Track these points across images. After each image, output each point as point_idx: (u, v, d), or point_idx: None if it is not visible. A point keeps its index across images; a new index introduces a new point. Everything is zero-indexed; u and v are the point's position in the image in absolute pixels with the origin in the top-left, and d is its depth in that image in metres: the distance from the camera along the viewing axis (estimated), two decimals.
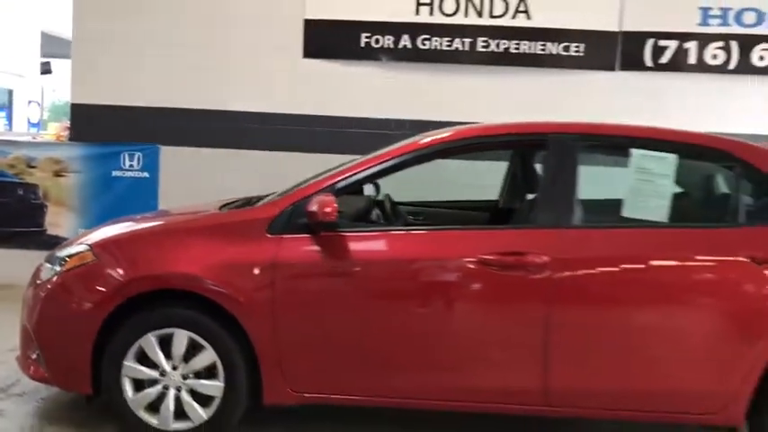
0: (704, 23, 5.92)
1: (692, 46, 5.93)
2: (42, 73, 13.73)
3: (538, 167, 3.78)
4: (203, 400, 3.29)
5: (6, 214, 6.36)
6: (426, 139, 3.55)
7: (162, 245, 3.39)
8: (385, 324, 3.23)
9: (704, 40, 5.92)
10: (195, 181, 6.05)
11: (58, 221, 6.35)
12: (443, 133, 3.56)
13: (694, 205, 3.60)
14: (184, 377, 3.28)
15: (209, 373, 3.27)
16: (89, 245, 3.43)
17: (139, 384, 3.31)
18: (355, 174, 3.38)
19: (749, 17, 5.89)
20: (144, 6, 6.25)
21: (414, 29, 6.04)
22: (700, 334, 3.15)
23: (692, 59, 5.94)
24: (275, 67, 6.21)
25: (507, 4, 6.00)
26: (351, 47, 6.11)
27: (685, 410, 3.20)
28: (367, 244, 3.29)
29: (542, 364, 3.15)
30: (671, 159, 3.29)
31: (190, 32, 6.23)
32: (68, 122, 6.66)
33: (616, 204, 3.33)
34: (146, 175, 6.29)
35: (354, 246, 3.24)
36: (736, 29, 5.91)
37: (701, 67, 5.94)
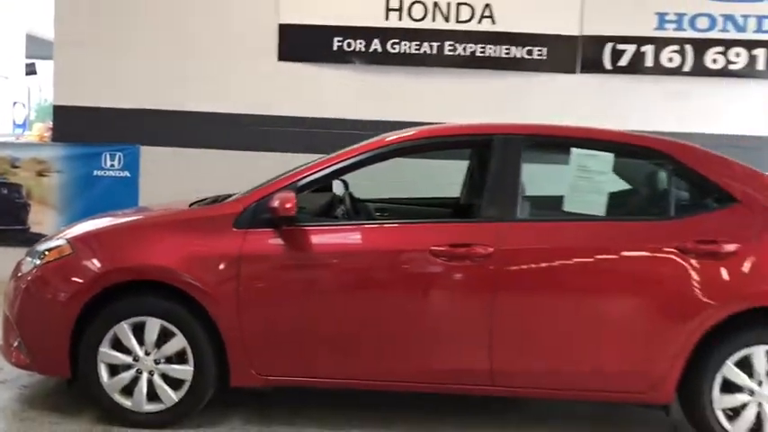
0: (660, 28, 6.20)
1: (649, 49, 6.21)
2: (27, 74, 13.86)
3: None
4: (174, 383, 3.52)
5: None
6: (386, 138, 3.80)
7: (135, 239, 3.63)
8: (342, 311, 3.48)
9: (660, 43, 6.20)
10: (175, 180, 6.25)
11: (41, 220, 6.55)
12: (402, 133, 3.82)
13: (629, 200, 3.87)
14: (156, 362, 3.51)
15: (179, 358, 3.51)
16: (67, 239, 3.67)
17: (114, 369, 3.53)
18: (316, 172, 3.63)
19: (702, 22, 6.17)
20: (124, 11, 6.45)
21: (384, 33, 6.29)
22: (632, 319, 3.42)
23: (650, 62, 6.22)
24: (251, 71, 6.43)
25: (473, 10, 6.25)
26: (324, 51, 6.34)
27: (619, 390, 3.48)
28: (326, 237, 3.54)
29: (488, 348, 3.41)
30: (607, 158, 3.56)
31: (169, 36, 6.44)
32: (51, 123, 6.85)
33: (559, 200, 3.60)
34: (126, 174, 6.51)
35: (314, 239, 3.49)
36: (690, 33, 6.18)
37: (658, 69, 6.22)
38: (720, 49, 6.16)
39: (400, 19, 6.29)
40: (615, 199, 3.56)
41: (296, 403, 3.89)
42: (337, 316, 3.48)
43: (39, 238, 5.93)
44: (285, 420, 3.68)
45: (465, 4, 6.25)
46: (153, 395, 3.53)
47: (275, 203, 3.38)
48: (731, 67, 6.17)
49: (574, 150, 3.57)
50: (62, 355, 3.52)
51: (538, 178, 3.82)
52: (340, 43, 6.33)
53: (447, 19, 6.27)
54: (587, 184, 3.55)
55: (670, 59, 6.20)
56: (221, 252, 3.48)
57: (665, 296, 3.39)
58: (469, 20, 6.26)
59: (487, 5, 6.24)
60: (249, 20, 6.40)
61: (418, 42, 6.29)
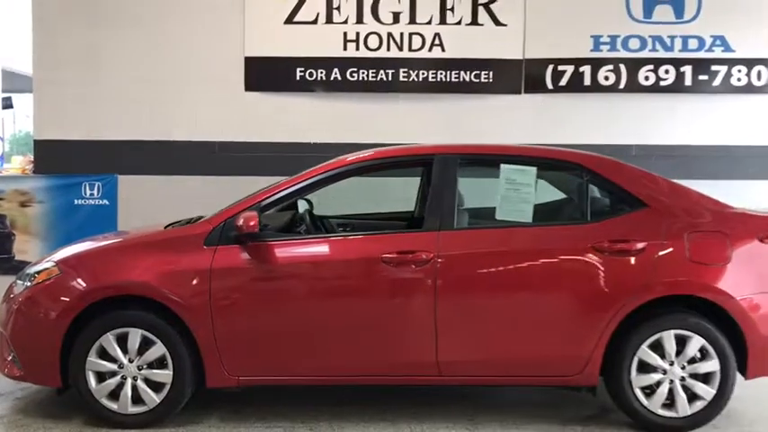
0: (596, 49, 6.76)
1: (586, 69, 6.76)
2: (4, 108, 14.23)
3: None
4: (156, 386, 3.93)
5: None
6: (345, 159, 4.27)
7: (116, 258, 4.06)
8: (304, 315, 3.92)
9: (597, 64, 6.75)
10: (151, 206, 6.64)
11: (25, 248, 6.92)
12: (358, 154, 4.29)
13: (552, 207, 4.37)
14: (139, 368, 3.92)
15: (159, 363, 3.92)
16: (54, 261, 4.09)
17: (101, 376, 3.93)
18: (277, 192, 4.09)
19: (634, 43, 6.73)
20: (100, 48, 6.86)
21: (342, 63, 6.78)
22: (559, 310, 3.90)
23: (587, 81, 6.76)
24: (220, 101, 6.87)
25: (424, 39, 6.77)
26: (287, 80, 6.82)
27: (551, 374, 3.96)
28: (287, 250, 3.98)
29: (434, 342, 3.87)
30: (532, 171, 4.06)
31: (142, 72, 6.86)
32: (32, 156, 7.24)
33: (492, 210, 4.09)
34: (105, 202, 6.90)
35: (276, 252, 3.94)
36: (623, 53, 6.75)
37: (595, 87, 6.76)
38: (651, 67, 6.73)
39: (357, 49, 6.78)
40: (540, 207, 4.06)
41: (268, 402, 4.32)
42: (300, 320, 3.92)
43: (23, 265, 6.34)
44: (258, 417, 4.10)
45: (417, 33, 6.77)
46: (137, 398, 3.93)
47: (240, 222, 3.83)
48: (661, 83, 6.74)
49: (503, 166, 4.07)
50: (53, 366, 3.92)
51: (478, 191, 4.31)
52: (302, 73, 6.81)
53: (400, 48, 6.78)
54: (515, 194, 4.04)
55: (606, 78, 6.76)
56: (194, 267, 3.91)
57: (585, 290, 3.88)
58: (421, 48, 6.77)
59: (437, 34, 6.77)
60: (217, 54, 6.85)
61: (375, 70, 6.79)
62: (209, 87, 6.86)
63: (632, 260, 3.86)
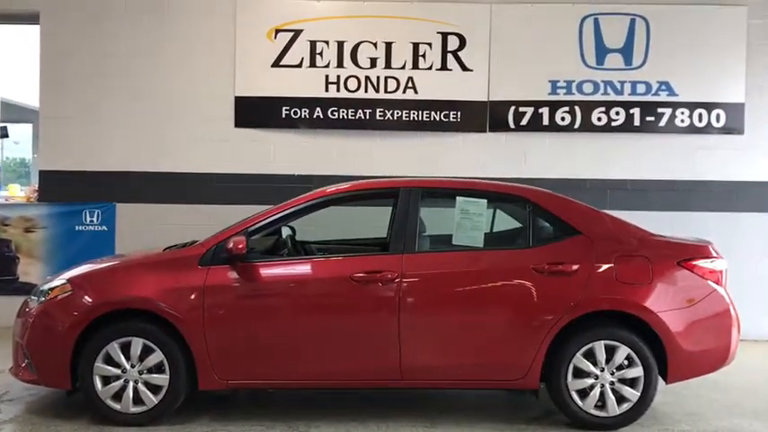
0: (553, 93, 7.47)
1: (545, 111, 7.46)
2: (1, 137, 14.78)
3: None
4: (154, 389, 4.48)
5: None
6: (325, 190, 4.89)
7: (121, 277, 4.65)
8: (285, 327, 4.51)
9: (554, 106, 7.46)
10: (146, 232, 7.25)
11: (28, 271, 7.48)
12: (336, 186, 4.91)
13: (499, 234, 5.02)
14: (140, 373, 4.47)
15: (158, 369, 4.48)
16: (66, 279, 4.67)
17: (107, 380, 4.48)
18: (263, 219, 4.70)
19: (588, 87, 7.45)
20: (100, 87, 7.50)
21: (324, 103, 7.45)
22: (504, 323, 4.51)
23: (546, 121, 7.46)
24: (212, 136, 7.50)
25: (398, 82, 7.45)
26: (273, 118, 7.47)
27: (498, 379, 4.56)
28: (271, 270, 4.58)
29: (398, 350, 4.46)
30: (483, 202, 4.71)
31: (140, 108, 7.50)
32: (36, 185, 7.81)
33: (449, 236, 4.72)
34: (104, 228, 7.49)
35: (262, 271, 4.54)
36: (578, 96, 7.46)
37: (553, 127, 7.46)
38: (603, 109, 7.45)
39: (338, 90, 7.46)
40: (490, 234, 4.70)
41: (252, 405, 4.89)
42: (281, 331, 4.51)
43: (27, 287, 6.91)
44: (243, 417, 4.66)
45: (392, 77, 7.45)
46: (137, 399, 4.48)
47: (230, 245, 4.44)
48: (613, 123, 7.45)
49: (458, 198, 4.71)
50: (64, 371, 4.47)
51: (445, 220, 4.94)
52: (287, 111, 7.46)
53: (377, 90, 7.45)
54: (468, 222, 4.68)
55: (563, 118, 7.46)
56: (189, 285, 4.49)
57: (526, 305, 4.49)
58: (396, 90, 7.46)
59: (410, 78, 7.46)
60: (209, 93, 7.50)
61: (354, 110, 7.45)
62: (202, 124, 7.50)
63: (567, 280, 4.49)
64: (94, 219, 7.48)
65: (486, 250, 4.67)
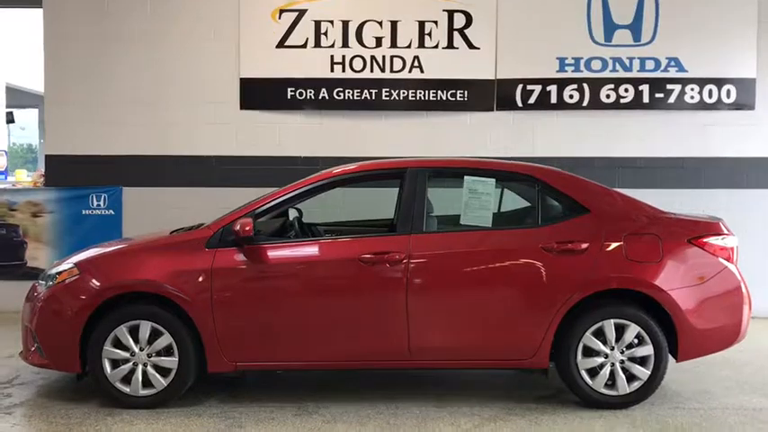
0: (561, 70, 7.38)
1: (552, 88, 7.38)
2: (7, 122, 14.81)
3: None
4: (163, 371, 4.48)
5: None
6: (331, 171, 4.85)
7: (128, 260, 4.64)
8: (293, 308, 4.50)
9: (562, 83, 7.37)
10: (153, 215, 7.25)
11: (36, 255, 7.49)
12: (342, 167, 4.88)
13: (508, 213, 4.98)
14: (149, 356, 4.48)
15: (166, 351, 4.48)
16: (74, 263, 4.66)
17: (116, 363, 4.49)
18: (270, 201, 4.67)
19: (596, 64, 7.36)
20: (105, 70, 7.47)
21: (330, 83, 7.39)
22: (512, 303, 4.49)
23: (554, 99, 7.38)
24: (218, 119, 7.45)
25: (404, 61, 7.38)
26: (279, 99, 7.43)
27: (507, 358, 4.55)
28: (278, 252, 4.56)
29: (406, 331, 4.45)
30: (491, 182, 4.66)
31: (145, 92, 7.46)
32: (43, 170, 7.81)
33: (458, 216, 4.69)
34: (111, 212, 7.48)
35: (268, 253, 4.52)
36: (586, 74, 7.37)
37: (561, 105, 7.38)
38: (612, 86, 7.36)
39: (343, 71, 7.39)
40: (498, 213, 4.66)
41: (260, 387, 4.90)
42: (289, 313, 4.49)
43: (35, 272, 6.93)
44: (251, 400, 4.66)
45: (397, 56, 7.38)
46: (146, 382, 4.49)
47: (237, 227, 4.42)
48: (621, 101, 7.36)
49: (465, 177, 4.67)
50: (74, 354, 4.48)
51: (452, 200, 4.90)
52: (293, 93, 7.41)
53: (383, 70, 7.38)
54: (476, 202, 4.64)
55: (571, 96, 7.38)
56: (197, 267, 4.48)
57: (535, 285, 4.47)
58: (401, 69, 7.39)
59: (416, 57, 7.38)
60: (214, 75, 7.45)
61: (359, 90, 7.39)
62: (208, 106, 7.46)
63: (576, 259, 4.46)
64: (101, 203, 7.48)
65: (494, 230, 4.63)
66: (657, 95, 7.36)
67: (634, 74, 7.36)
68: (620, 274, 4.47)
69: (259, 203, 4.66)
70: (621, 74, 7.36)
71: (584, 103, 7.38)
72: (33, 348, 4.65)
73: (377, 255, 4.47)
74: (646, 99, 7.36)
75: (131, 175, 7.49)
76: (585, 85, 7.37)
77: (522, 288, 4.49)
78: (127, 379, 4.50)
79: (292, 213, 5.52)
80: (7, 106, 15.06)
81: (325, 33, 7.36)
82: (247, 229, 4.40)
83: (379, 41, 7.37)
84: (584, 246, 4.47)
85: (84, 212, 7.48)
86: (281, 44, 7.38)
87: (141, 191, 7.48)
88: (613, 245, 4.49)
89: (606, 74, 7.37)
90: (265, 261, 4.51)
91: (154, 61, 7.46)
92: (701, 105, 7.37)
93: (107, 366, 4.49)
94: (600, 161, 7.38)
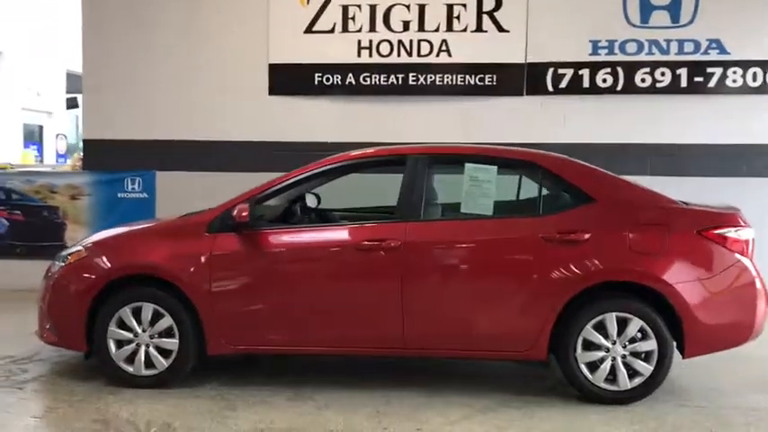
0: (594, 53, 7.15)
1: (585, 72, 7.16)
2: (69, 108, 15.38)
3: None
4: (165, 353, 4.57)
5: (34, 232, 7.80)
6: (320, 161, 4.84)
7: (132, 243, 4.76)
8: (290, 294, 4.51)
9: (595, 67, 7.14)
10: (185, 199, 7.30)
11: (75, 237, 7.70)
12: (332, 158, 4.85)
13: (510, 202, 4.85)
14: (151, 337, 4.58)
15: (167, 333, 4.56)
16: (83, 245, 4.81)
17: (120, 343, 4.61)
18: (269, 188, 4.70)
19: (631, 47, 7.10)
20: (142, 58, 7.66)
21: (356, 68, 7.37)
22: (512, 292, 4.39)
23: (586, 83, 7.17)
24: (248, 105, 7.56)
25: (432, 45, 7.29)
26: (306, 85, 7.45)
27: (504, 349, 4.46)
28: (275, 238, 4.58)
29: (401, 318, 4.41)
30: (493, 169, 4.55)
31: (178, 78, 7.62)
32: (81, 154, 8.08)
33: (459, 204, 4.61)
34: (145, 195, 7.69)
35: (266, 239, 4.55)
36: (621, 57, 7.12)
37: (593, 89, 7.16)
38: (647, 69, 7.08)
39: (370, 56, 7.36)
40: (500, 201, 4.56)
41: (259, 372, 4.96)
42: (285, 298, 4.52)
43: None
44: (250, 383, 4.70)
45: (425, 40, 7.30)
46: (149, 362, 4.59)
47: (234, 213, 4.46)
48: (657, 85, 7.08)
49: (466, 165, 4.57)
50: (80, 334, 4.61)
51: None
52: (320, 78, 7.43)
53: (410, 54, 7.32)
54: (477, 190, 4.54)
55: (604, 80, 7.15)
56: (197, 251, 4.55)
57: (533, 275, 4.35)
58: (429, 54, 7.30)
59: (444, 41, 7.28)
60: (244, 62, 7.55)
61: (386, 75, 7.36)
62: (237, 92, 7.57)
63: (578, 249, 4.31)
64: (136, 186, 7.68)
65: (493, 218, 4.53)
66: (697, 79, 7.05)
67: (672, 57, 7.08)
68: (623, 266, 4.32)
69: (259, 190, 4.69)
70: (658, 57, 7.09)
71: (618, 88, 7.14)
72: (48, 326, 4.82)
73: (372, 241, 4.44)
74: (684, 83, 7.07)
75: (165, 159, 7.67)
76: (620, 69, 7.12)
77: (520, 278, 4.38)
78: (131, 359, 4.61)
79: (310, 199, 5.54)
80: (70, 92, 15.65)
81: (353, 18, 7.34)
82: (244, 214, 4.44)
83: (406, 25, 7.30)
84: (587, 236, 4.32)
85: (119, 195, 7.71)
86: (308, 29, 7.40)
87: (174, 175, 7.64)
88: (617, 236, 4.32)
89: (642, 57, 7.11)
90: (262, 247, 4.54)
91: (185, 48, 7.60)
92: (745, 89, 7.04)
93: (112, 346, 4.61)
94: (634, 148, 7.13)
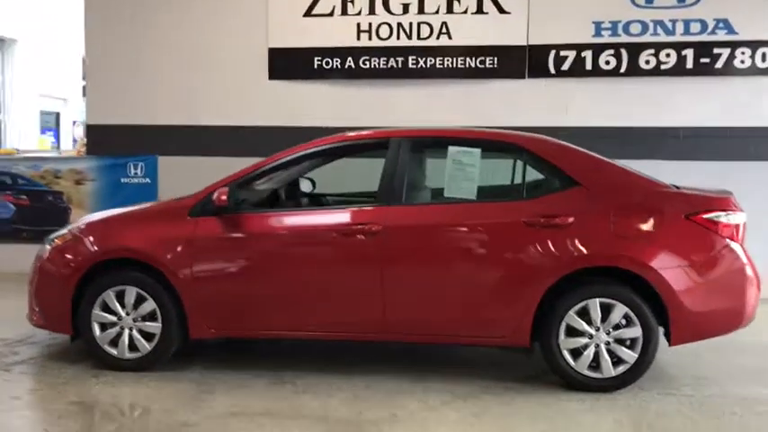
0: (597, 35, 6.99)
1: (588, 54, 7.00)
2: (85, 95, 15.52)
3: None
4: (148, 336, 4.58)
5: (40, 216, 7.89)
6: (299, 145, 4.80)
7: (116, 227, 4.77)
8: (267, 279, 4.49)
9: (598, 49, 6.98)
10: (186, 184, 7.28)
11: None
12: (316, 142, 4.81)
13: (495, 186, 4.76)
14: (134, 320, 4.59)
15: (151, 317, 4.57)
16: (69, 229, 4.83)
17: (104, 326, 4.62)
18: (250, 173, 4.68)
19: (635, 28, 6.92)
20: (143, 44, 7.67)
21: (356, 52, 7.29)
22: (493, 277, 4.32)
23: (589, 66, 7.01)
24: (247, 89, 7.53)
25: (432, 28, 7.18)
26: (306, 69, 7.40)
27: (485, 335, 4.39)
28: (255, 222, 4.56)
29: (380, 303, 4.36)
30: (476, 152, 4.47)
31: (178, 64, 7.62)
32: (85, 140, 8.14)
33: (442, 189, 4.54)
34: (147, 180, 7.72)
35: (246, 223, 4.53)
36: (624, 38, 6.95)
37: (597, 71, 7.00)
38: (652, 51, 6.90)
39: (370, 39, 7.28)
40: (483, 185, 4.47)
41: (241, 357, 4.94)
42: (264, 282, 4.49)
43: None
44: (232, 368, 4.69)
45: (425, 23, 7.19)
46: (132, 346, 4.60)
47: (214, 197, 4.44)
48: (662, 66, 6.90)
49: (449, 148, 4.50)
50: (65, 317, 4.64)
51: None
52: (319, 62, 7.36)
53: (409, 37, 7.22)
54: (460, 174, 4.46)
55: (607, 62, 6.98)
56: (179, 235, 4.54)
57: (515, 259, 4.28)
58: (429, 36, 7.20)
59: (444, 23, 7.17)
60: (243, 46, 7.51)
61: (385, 58, 7.27)
62: (238, 77, 7.54)
63: (561, 233, 4.21)
64: (138, 171, 7.72)
65: (476, 202, 4.44)
66: (703, 60, 6.85)
67: (677, 38, 6.88)
68: (606, 251, 4.22)
69: (240, 174, 4.67)
70: (663, 38, 6.90)
71: (622, 70, 6.97)
72: (37, 309, 4.86)
73: (351, 226, 4.39)
74: (690, 64, 6.87)
75: (166, 144, 7.68)
76: (623, 51, 6.95)
77: (500, 263, 4.31)
78: (115, 342, 4.63)
79: (305, 183, 5.52)
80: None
81: (352, 1, 7.25)
82: (223, 198, 4.42)
83: (406, 8, 7.20)
84: (570, 220, 4.23)
85: (122, 180, 7.75)
86: (308, 13, 7.34)
87: (176, 160, 7.65)
88: (601, 220, 4.22)
89: (646, 38, 6.92)
90: (241, 231, 4.52)
91: (186, 34, 7.59)
92: (753, 71, 6.83)
93: (96, 329, 4.63)
94: (639, 131, 6.97)
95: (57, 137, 13.92)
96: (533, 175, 4.63)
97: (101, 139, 7.84)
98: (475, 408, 4.03)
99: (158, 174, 7.71)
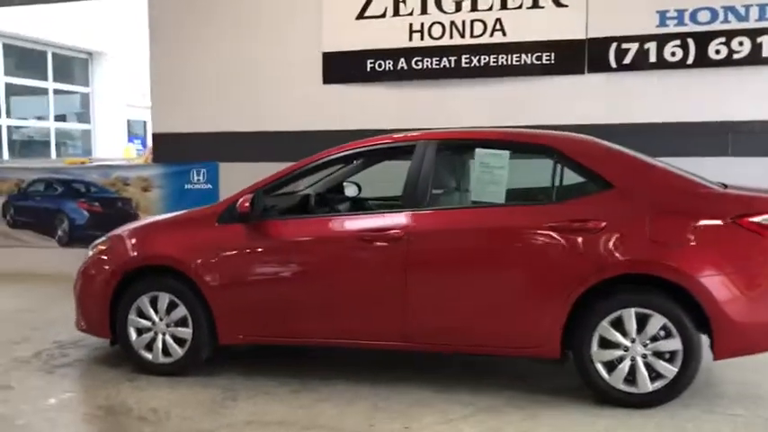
0: (662, 24, 6.56)
1: (651, 46, 6.59)
2: None
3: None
4: (180, 341, 4.65)
5: (111, 222, 8.13)
6: (327, 150, 4.74)
7: (150, 235, 4.87)
8: (293, 285, 4.45)
9: (663, 39, 6.56)
10: None
11: None
12: (341, 147, 4.74)
13: (523, 188, 4.52)
14: (167, 325, 4.66)
15: (182, 322, 4.63)
16: (108, 236, 4.96)
17: (140, 331, 4.73)
18: (277, 179, 4.66)
19: (704, 15, 6.46)
20: (203, 56, 7.84)
21: (408, 53, 7.16)
22: (518, 285, 4.10)
23: (653, 58, 6.59)
24: (303, 94, 7.55)
25: (485, 25, 6.96)
26: (359, 72, 7.34)
27: (512, 346, 4.17)
28: (281, 228, 4.52)
29: (404, 312, 4.23)
30: (504, 154, 4.26)
31: (236, 73, 7.73)
32: (151, 148, 8.41)
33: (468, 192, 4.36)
34: (209, 186, 7.88)
35: (272, 230, 4.50)
36: (692, 27, 6.49)
37: (662, 64, 6.57)
38: (723, 39, 6.42)
39: (422, 39, 7.14)
40: (511, 188, 4.26)
41: (272, 365, 4.90)
42: (290, 289, 4.46)
43: None
44: (264, 373, 4.69)
45: (478, 20, 6.99)
46: (166, 350, 4.68)
47: (237, 204, 4.44)
48: (734, 56, 6.40)
49: (477, 150, 4.31)
50: (104, 321, 4.78)
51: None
52: (372, 64, 7.29)
53: (462, 35, 7.03)
54: (488, 177, 4.27)
55: (673, 54, 6.54)
56: (207, 242, 4.58)
57: (543, 267, 4.03)
58: (482, 34, 6.98)
59: (498, 20, 6.94)
60: (299, 52, 7.53)
61: (438, 58, 7.10)
62: (293, 82, 7.58)
63: (593, 239, 3.95)
64: (200, 177, 7.89)
65: (504, 206, 4.24)
66: None
67: (751, 24, 6.36)
68: (641, 258, 3.92)
69: (266, 181, 4.66)
70: (735, 25, 6.39)
71: (689, 61, 6.51)
72: (81, 314, 5.02)
73: (375, 232, 4.28)
74: (766, 53, 6.34)
75: (227, 151, 7.81)
76: (690, 41, 6.49)
77: (528, 270, 4.08)
78: (150, 347, 4.72)
79: (350, 188, 5.48)
80: None
81: (404, 1, 7.14)
82: (246, 205, 4.41)
83: (458, 6, 7.02)
84: (602, 225, 3.95)
85: (186, 187, 7.95)
86: (360, 15, 7.28)
87: (236, 166, 7.75)
88: (636, 224, 3.93)
89: (716, 26, 6.43)
90: (266, 237, 4.50)
91: (243, 43, 7.70)
92: None
93: (132, 334, 4.74)
94: (709, 126, 6.50)
95: (144, 144, 14.52)
96: (570, 177, 4.39)
97: (165, 147, 8.07)
98: (494, 421, 3.84)
99: (219, 180, 7.85)
